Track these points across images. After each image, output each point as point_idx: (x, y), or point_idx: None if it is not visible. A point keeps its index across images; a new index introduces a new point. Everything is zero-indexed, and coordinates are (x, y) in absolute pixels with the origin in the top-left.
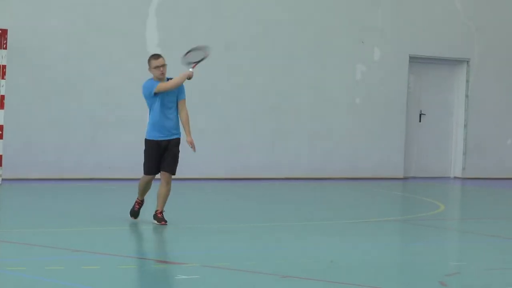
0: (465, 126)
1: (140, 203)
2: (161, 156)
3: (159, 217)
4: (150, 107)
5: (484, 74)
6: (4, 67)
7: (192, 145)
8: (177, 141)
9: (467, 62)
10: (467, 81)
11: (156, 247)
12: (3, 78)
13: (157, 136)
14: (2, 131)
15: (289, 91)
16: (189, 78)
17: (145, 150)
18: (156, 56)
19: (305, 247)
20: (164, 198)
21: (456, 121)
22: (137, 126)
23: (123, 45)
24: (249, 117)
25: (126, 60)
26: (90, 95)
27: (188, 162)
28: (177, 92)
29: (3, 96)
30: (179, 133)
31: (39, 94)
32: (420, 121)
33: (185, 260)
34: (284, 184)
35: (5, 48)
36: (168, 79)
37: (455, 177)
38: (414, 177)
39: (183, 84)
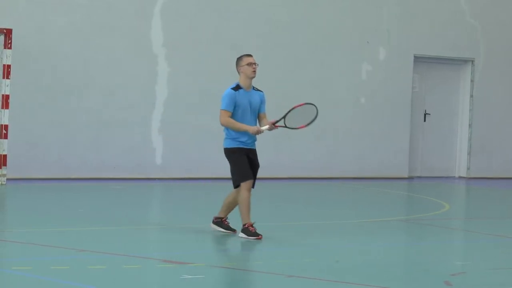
0: (470, 126)
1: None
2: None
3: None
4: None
5: (489, 74)
6: (8, 66)
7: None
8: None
9: (472, 62)
10: (472, 81)
11: (162, 247)
12: (7, 77)
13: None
14: (6, 130)
15: (295, 91)
16: (256, 133)
17: (230, 159)
18: (248, 54)
19: (310, 247)
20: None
21: (461, 121)
22: (141, 126)
23: (128, 45)
24: None
25: (131, 60)
26: (94, 95)
27: (196, 163)
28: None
29: (7, 96)
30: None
31: (43, 93)
32: (425, 120)
33: (190, 260)
34: (289, 183)
35: (10, 48)
36: (254, 89)
37: (460, 177)
38: (419, 177)
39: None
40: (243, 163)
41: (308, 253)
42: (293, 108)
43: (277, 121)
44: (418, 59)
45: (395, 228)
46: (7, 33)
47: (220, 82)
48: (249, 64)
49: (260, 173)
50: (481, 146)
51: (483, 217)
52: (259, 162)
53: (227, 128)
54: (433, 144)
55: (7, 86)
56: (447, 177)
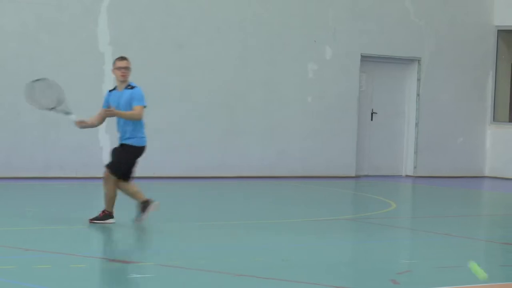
0: (417, 124)
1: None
2: None
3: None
4: None
5: (435, 73)
6: None
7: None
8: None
9: (418, 61)
10: (418, 79)
11: (110, 246)
12: None
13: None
14: None
15: (242, 89)
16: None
17: (129, 157)
18: (121, 57)
19: (256, 246)
20: None
21: (408, 120)
22: None
23: (74, 44)
24: (199, 115)
25: (78, 58)
26: None
27: (142, 161)
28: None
29: None
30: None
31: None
32: (372, 119)
33: (139, 259)
34: (235, 183)
35: None
36: (128, 88)
37: (406, 176)
38: (366, 176)
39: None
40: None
41: (255, 251)
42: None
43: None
44: (365, 58)
45: (342, 227)
46: None
47: (166, 81)
48: (118, 68)
49: (208, 172)
50: (428, 145)
51: (429, 215)
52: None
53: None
54: (380, 143)
55: None
56: (394, 176)
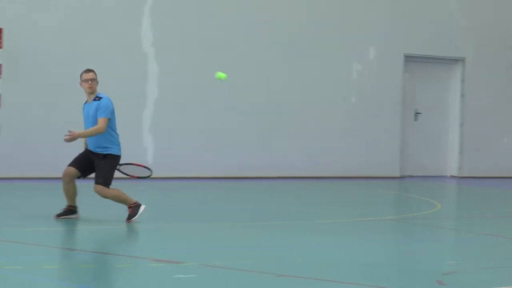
0: (461, 125)
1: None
2: None
3: None
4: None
5: (479, 72)
6: (0, 66)
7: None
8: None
9: (463, 61)
10: (463, 80)
11: (152, 245)
12: None
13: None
14: None
15: (284, 90)
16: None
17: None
18: (88, 70)
19: (300, 246)
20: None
21: (452, 120)
22: (132, 126)
23: (117, 45)
24: (242, 116)
25: (121, 59)
26: (83, 96)
27: (183, 162)
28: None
29: None
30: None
31: (33, 93)
32: (415, 120)
33: (182, 259)
34: (278, 183)
35: (0, 47)
36: (96, 99)
37: (451, 176)
38: (411, 176)
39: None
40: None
41: (298, 252)
42: (131, 164)
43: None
44: (408, 58)
45: (386, 228)
46: None
47: (209, 82)
48: (85, 80)
49: (249, 173)
50: (472, 145)
51: (474, 216)
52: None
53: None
54: (424, 143)
55: None
56: (438, 176)
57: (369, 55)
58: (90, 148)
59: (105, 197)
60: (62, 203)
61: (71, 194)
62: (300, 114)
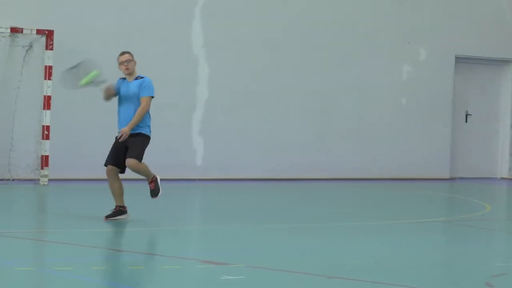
0: None
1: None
2: None
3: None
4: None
5: None
6: (50, 67)
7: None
8: None
9: None
10: None
11: (200, 247)
12: (49, 78)
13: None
14: (48, 131)
15: (335, 92)
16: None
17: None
18: (122, 52)
19: (350, 248)
20: None
21: (503, 122)
22: (181, 127)
23: (168, 46)
24: (294, 117)
25: (172, 61)
26: None
27: (233, 163)
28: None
29: (49, 97)
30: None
31: (85, 94)
32: (466, 121)
33: (230, 261)
34: (329, 184)
35: (51, 49)
36: (137, 78)
37: (501, 178)
38: (461, 178)
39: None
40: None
41: (348, 254)
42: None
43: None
44: (459, 59)
45: (435, 229)
46: (49, 34)
47: (260, 82)
48: (121, 63)
49: (301, 174)
50: None
51: None
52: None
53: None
54: (475, 145)
55: (49, 87)
56: (488, 178)
57: (419, 56)
58: (122, 127)
59: (137, 171)
60: (111, 204)
61: (117, 193)
62: (350, 115)
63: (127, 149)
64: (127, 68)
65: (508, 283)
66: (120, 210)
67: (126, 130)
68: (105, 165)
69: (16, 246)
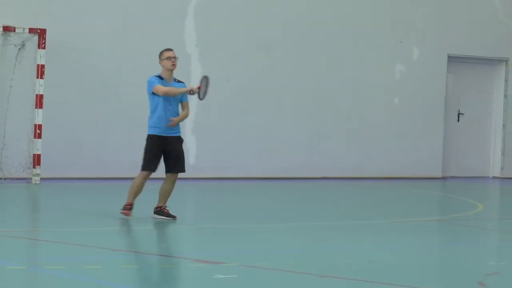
0: (504, 126)
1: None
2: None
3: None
4: (153, 103)
5: None
6: (42, 66)
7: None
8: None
9: (506, 61)
10: (506, 80)
11: (194, 246)
12: (41, 77)
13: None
14: (40, 130)
15: (328, 91)
16: (192, 93)
17: (148, 145)
18: (168, 49)
19: (343, 247)
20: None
21: (495, 121)
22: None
23: (161, 45)
24: (287, 117)
25: None
26: (128, 95)
27: (229, 163)
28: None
29: (41, 96)
30: (179, 131)
31: (78, 93)
32: (458, 120)
33: (223, 260)
34: (322, 184)
35: (44, 48)
36: (176, 80)
37: (493, 177)
38: (453, 177)
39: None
40: (153, 152)
41: (341, 253)
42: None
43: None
44: (452, 59)
45: (428, 229)
46: (41, 33)
47: (253, 82)
48: (168, 58)
49: (295, 173)
50: None
51: None
52: (182, 150)
53: (152, 115)
54: (467, 144)
55: (41, 86)
56: (481, 177)
57: (412, 55)
58: (166, 133)
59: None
60: (105, 203)
61: (139, 192)
62: (343, 115)
63: (171, 155)
64: (173, 64)
65: (501, 282)
66: (168, 214)
67: (176, 120)
68: (148, 170)
69: (8, 245)
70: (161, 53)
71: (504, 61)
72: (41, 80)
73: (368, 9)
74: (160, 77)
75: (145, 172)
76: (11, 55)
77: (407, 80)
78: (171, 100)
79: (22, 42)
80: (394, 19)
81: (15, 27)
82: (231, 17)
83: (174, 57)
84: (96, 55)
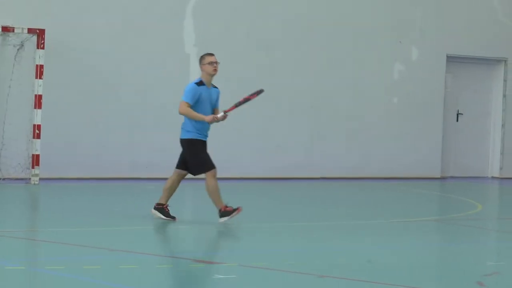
0: (503, 125)
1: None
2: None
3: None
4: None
5: None
6: (41, 67)
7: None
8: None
9: (505, 61)
10: (505, 80)
11: (193, 246)
12: (40, 78)
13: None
14: (39, 130)
15: (327, 91)
16: (211, 121)
17: (198, 149)
18: (210, 53)
19: (342, 247)
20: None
21: (494, 121)
22: (173, 126)
23: (160, 45)
24: (287, 117)
25: (163, 60)
26: (128, 95)
27: (226, 162)
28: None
29: (40, 96)
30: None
31: (77, 93)
32: (457, 120)
33: (222, 260)
34: (322, 184)
35: (43, 48)
36: (213, 87)
37: (492, 177)
38: (452, 177)
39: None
40: (206, 153)
41: (340, 253)
42: (247, 99)
43: (229, 109)
44: (450, 58)
45: (427, 228)
46: (40, 33)
47: (252, 82)
48: (210, 63)
49: (293, 173)
50: None
51: None
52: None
53: (187, 120)
54: (466, 144)
55: (40, 86)
56: (479, 177)
57: (411, 55)
58: (206, 137)
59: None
60: (104, 204)
61: (168, 190)
62: (342, 115)
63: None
64: (215, 69)
65: (500, 282)
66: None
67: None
68: (212, 168)
69: (8, 245)
70: (202, 58)
71: (503, 61)
72: (40, 80)
73: (368, 9)
74: (201, 82)
75: (214, 170)
76: (10, 55)
77: (406, 80)
78: (207, 108)
79: (21, 42)
80: (393, 19)
81: (14, 27)
82: (230, 17)
83: (216, 62)
84: (95, 55)
